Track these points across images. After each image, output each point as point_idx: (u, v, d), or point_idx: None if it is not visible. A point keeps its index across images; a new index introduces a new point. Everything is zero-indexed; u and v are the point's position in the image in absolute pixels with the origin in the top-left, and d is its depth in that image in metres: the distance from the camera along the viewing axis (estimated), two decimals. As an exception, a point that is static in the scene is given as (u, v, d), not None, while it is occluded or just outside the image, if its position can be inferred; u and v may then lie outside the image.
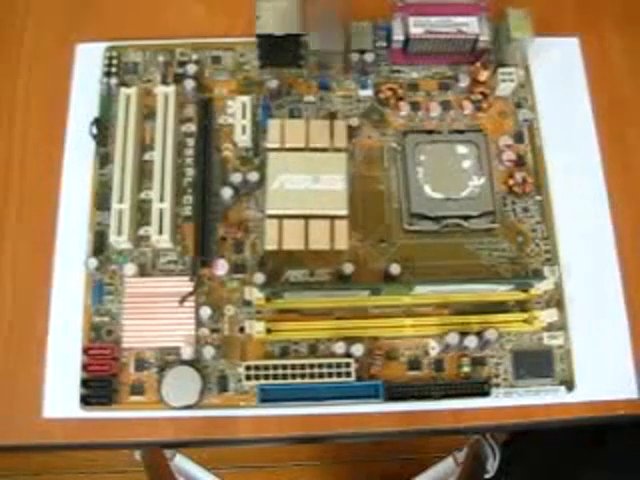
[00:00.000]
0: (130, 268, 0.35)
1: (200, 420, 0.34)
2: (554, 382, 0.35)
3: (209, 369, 0.34)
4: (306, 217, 0.35)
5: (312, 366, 0.33)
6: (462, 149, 0.38)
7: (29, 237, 0.37)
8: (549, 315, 0.35)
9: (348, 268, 0.35)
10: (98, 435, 0.34)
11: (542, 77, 0.40)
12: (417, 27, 0.37)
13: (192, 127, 0.38)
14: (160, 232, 0.35)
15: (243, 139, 0.37)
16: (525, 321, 0.35)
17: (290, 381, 0.33)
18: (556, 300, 0.36)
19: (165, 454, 0.65)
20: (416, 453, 0.85)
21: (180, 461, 0.67)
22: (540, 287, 0.35)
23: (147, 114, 0.38)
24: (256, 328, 0.34)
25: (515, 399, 0.34)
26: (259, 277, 0.35)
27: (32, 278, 0.36)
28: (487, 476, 0.59)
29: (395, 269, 0.35)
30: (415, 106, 0.39)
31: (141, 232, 0.36)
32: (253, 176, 0.36)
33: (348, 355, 0.34)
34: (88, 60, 0.40)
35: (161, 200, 0.35)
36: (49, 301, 0.35)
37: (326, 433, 0.34)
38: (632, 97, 0.40)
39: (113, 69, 0.39)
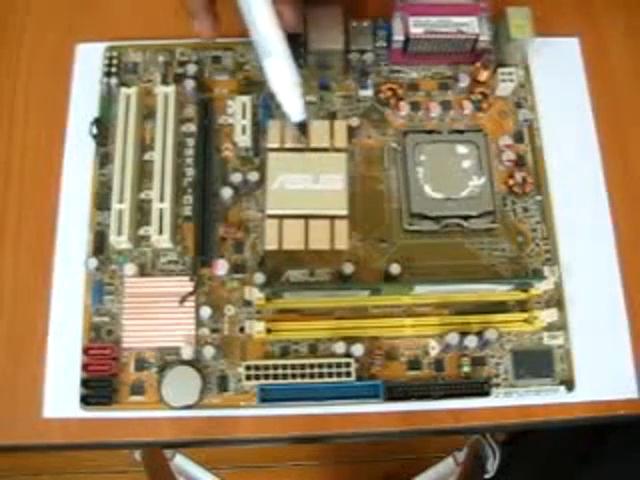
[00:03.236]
0: (130, 268, 0.35)
1: (200, 420, 0.34)
2: (554, 382, 0.35)
3: (209, 369, 0.34)
4: (306, 217, 0.35)
5: (312, 366, 0.33)
6: (462, 149, 0.38)
7: (29, 237, 0.37)
8: (549, 315, 0.35)
9: (348, 268, 0.35)
10: (98, 435, 0.34)
11: (542, 77, 0.40)
12: (417, 27, 0.37)
13: (192, 127, 0.38)
14: (160, 232, 0.35)
15: (243, 139, 0.37)
16: (525, 321, 0.35)
17: (290, 381, 0.33)
18: (556, 300, 0.36)
19: (165, 454, 0.65)
20: (416, 453, 0.85)
21: (180, 461, 0.67)
22: (540, 287, 0.35)
23: (147, 114, 0.38)
24: (256, 328, 0.34)
25: (515, 399, 0.34)
26: (259, 277, 0.35)
27: (32, 278, 0.36)
28: (487, 476, 0.59)
29: (395, 269, 0.35)
30: (415, 106, 0.39)
31: (141, 232, 0.36)
32: (253, 176, 0.36)
33: (348, 355, 0.34)
34: (88, 60, 0.40)
35: (161, 200, 0.36)
36: (49, 301, 0.35)
37: (326, 433, 0.34)
38: (632, 97, 0.40)
39: (113, 69, 0.39)
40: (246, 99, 0.38)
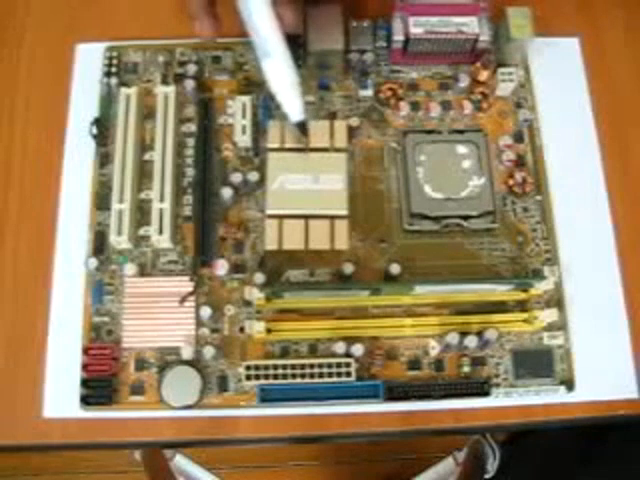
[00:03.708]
0: (130, 268, 0.35)
1: (200, 420, 0.34)
2: (554, 382, 0.35)
3: (209, 369, 0.34)
4: (306, 217, 0.35)
5: (312, 366, 0.33)
6: (462, 149, 0.38)
7: (29, 237, 0.37)
8: (549, 315, 0.35)
9: (348, 268, 0.35)
10: (98, 435, 0.34)
11: (542, 77, 0.40)
12: (417, 27, 0.37)
13: (192, 127, 0.38)
14: (160, 232, 0.35)
15: (243, 139, 0.37)
16: (525, 321, 0.35)
17: (290, 381, 0.33)
18: (556, 300, 0.36)
19: (165, 454, 0.65)
20: (416, 453, 0.85)
21: (180, 461, 0.67)
22: (540, 287, 0.35)
23: (147, 114, 0.38)
24: (256, 328, 0.34)
25: (515, 399, 0.34)
26: (259, 277, 0.35)
27: (32, 278, 0.36)
28: (487, 476, 0.59)
29: (395, 269, 0.35)
30: (415, 106, 0.39)
31: (141, 232, 0.36)
32: (253, 176, 0.36)
33: (348, 355, 0.34)
34: (88, 60, 0.40)
35: (161, 200, 0.36)
36: (49, 301, 0.35)
37: (326, 433, 0.34)
38: (632, 97, 0.40)
39: (113, 69, 0.39)
40: (246, 99, 0.38)
